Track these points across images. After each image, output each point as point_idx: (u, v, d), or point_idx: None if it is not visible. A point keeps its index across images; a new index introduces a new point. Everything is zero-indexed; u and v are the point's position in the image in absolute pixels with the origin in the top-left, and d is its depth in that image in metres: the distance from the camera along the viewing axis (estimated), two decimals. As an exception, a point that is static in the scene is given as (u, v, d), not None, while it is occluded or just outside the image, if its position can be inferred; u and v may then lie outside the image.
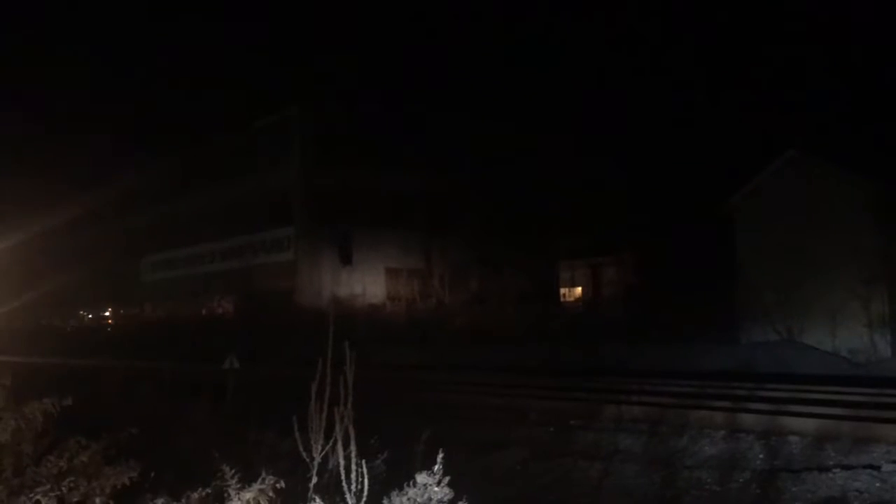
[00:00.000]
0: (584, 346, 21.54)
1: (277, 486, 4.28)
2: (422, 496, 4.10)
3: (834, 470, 7.10)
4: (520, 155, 36.72)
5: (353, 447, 4.48)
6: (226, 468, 4.36)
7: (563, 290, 38.47)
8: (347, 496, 4.33)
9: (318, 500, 4.34)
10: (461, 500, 4.15)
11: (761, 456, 8.05)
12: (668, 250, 29.43)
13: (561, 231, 34.77)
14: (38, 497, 3.90)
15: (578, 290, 38.09)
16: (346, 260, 35.70)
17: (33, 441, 4.62)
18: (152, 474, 4.91)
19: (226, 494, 4.21)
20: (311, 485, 4.60)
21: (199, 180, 41.85)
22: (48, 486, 3.95)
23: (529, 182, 36.44)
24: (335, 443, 4.64)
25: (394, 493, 4.22)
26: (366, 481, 4.34)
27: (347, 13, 74.34)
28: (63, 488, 3.98)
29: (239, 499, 4.12)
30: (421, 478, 4.10)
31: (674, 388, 13.24)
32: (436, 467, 4.13)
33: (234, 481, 4.27)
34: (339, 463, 4.46)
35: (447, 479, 4.13)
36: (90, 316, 51.34)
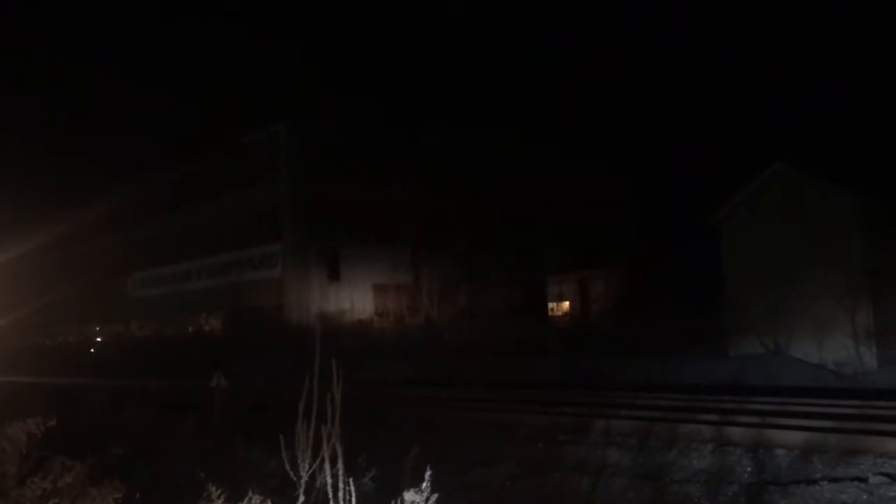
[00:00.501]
0: (572, 361, 21.55)
1: (264, 505, 4.26)
2: (410, 514, 4.09)
3: (822, 482, 7.12)
4: (508, 169, 36.85)
5: (340, 465, 4.47)
6: (212, 488, 4.34)
7: (551, 305, 38.53)
8: (335, 515, 4.32)
9: (305, 519, 4.32)
10: (449, 517, 4.14)
11: (749, 469, 8.06)
12: (656, 264, 29.58)
13: (549, 245, 34.90)
14: (22, 519, 3.86)
15: (566, 304, 38.16)
16: (334, 276, 35.61)
17: (17, 462, 4.58)
18: (137, 495, 4.88)
19: (212, 514, 4.19)
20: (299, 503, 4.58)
21: (187, 197, 41.70)
22: (32, 509, 3.91)
23: (517, 196, 36.57)
24: (322, 461, 4.63)
25: (382, 512, 4.21)
26: (353, 500, 4.32)
27: (337, 29, 74.62)
28: (47, 510, 3.94)
29: (225, 519, 4.09)
30: (409, 496, 4.09)
31: (662, 402, 13.25)
32: (424, 485, 4.12)
33: (220, 501, 4.24)
34: (326, 481, 4.44)
35: (435, 496, 4.12)
36: (76, 334, 50.93)
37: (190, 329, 40.27)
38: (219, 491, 4.31)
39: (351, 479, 4.43)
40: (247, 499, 4.29)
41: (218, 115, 66.15)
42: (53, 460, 4.56)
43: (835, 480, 7.20)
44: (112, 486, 4.32)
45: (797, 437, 9.02)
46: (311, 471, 4.71)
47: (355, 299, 35.56)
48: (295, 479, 4.74)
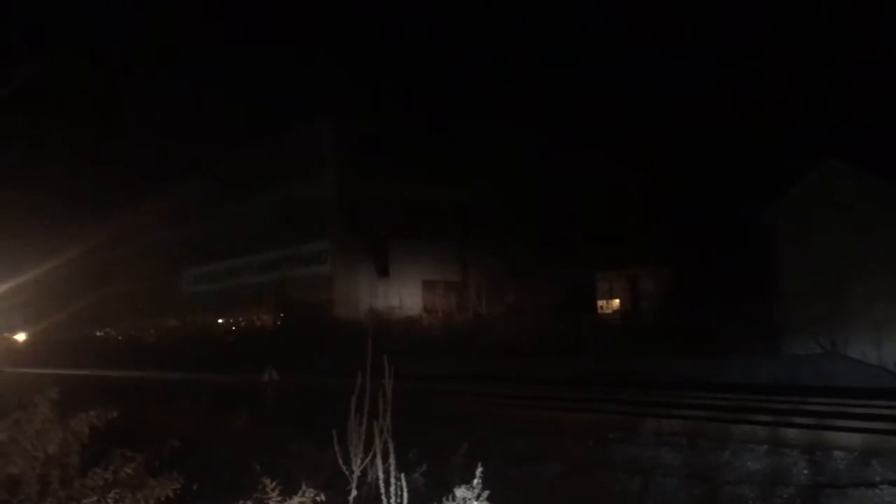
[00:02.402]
0: (622, 358, 21.34)
1: (318, 498, 4.31)
2: (461, 510, 4.10)
3: (881, 486, 6.94)
4: (556, 166, 36.65)
5: (392, 460, 4.50)
6: (266, 480, 4.41)
7: (600, 302, 38.20)
8: (387, 510, 4.35)
9: (358, 513, 4.36)
10: (500, 514, 4.14)
11: (805, 471, 7.89)
12: (707, 261, 29.08)
13: (598, 242, 34.59)
14: (86, 508, 3.97)
15: (616, 301, 37.78)
16: (383, 272, 35.83)
17: (80, 453, 4.71)
18: (194, 486, 4.97)
19: (266, 506, 4.25)
20: (351, 498, 4.63)
21: (238, 194, 42.37)
22: (95, 499, 4.02)
23: (566, 193, 36.36)
24: (374, 455, 4.66)
25: (434, 507, 4.23)
26: (405, 495, 4.35)
27: (383, 29, 75.01)
28: (109, 500, 4.05)
29: (280, 511, 4.15)
30: (460, 492, 4.10)
31: (714, 402, 13.03)
32: (475, 481, 4.12)
33: (274, 494, 4.31)
34: (378, 476, 4.48)
35: (486, 493, 4.13)
36: (132, 328, 52.15)
37: (242, 323, 40.91)
38: (273, 483, 4.38)
39: (403, 475, 4.46)
40: (300, 492, 4.35)
41: (265, 112, 67.04)
42: (114, 451, 4.68)
43: (894, 484, 7.01)
44: (170, 477, 4.42)
45: (856, 439, 8.80)
46: (363, 465, 4.75)
47: (404, 295, 35.74)
48: (347, 473, 4.79)
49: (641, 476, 7.95)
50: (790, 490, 7.16)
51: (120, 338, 49.54)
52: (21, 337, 51.68)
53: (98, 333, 51.48)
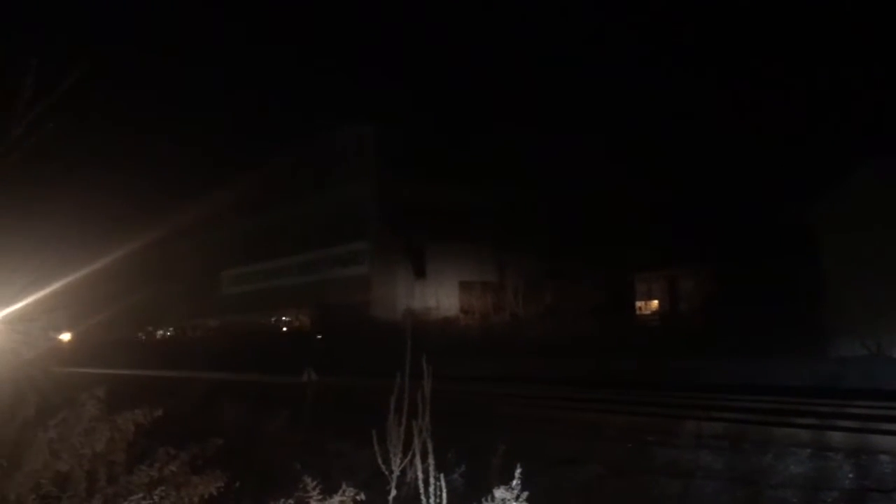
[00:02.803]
0: (661, 360, 21.12)
1: (357, 497, 4.35)
2: (501, 511, 4.11)
3: (929, 491, 6.79)
4: (592, 166, 36.45)
5: (431, 460, 4.52)
6: (307, 479, 4.45)
7: (639, 303, 37.86)
8: (427, 510, 4.37)
9: (397, 512, 4.38)
10: (539, 515, 4.13)
11: (850, 475, 7.74)
12: (749, 262, 28.67)
13: (636, 243, 34.30)
14: (132, 505, 4.06)
15: (655, 302, 37.41)
16: (420, 273, 35.95)
17: (125, 450, 4.81)
18: (237, 484, 5.05)
19: (307, 505, 4.30)
20: (391, 498, 4.66)
21: (277, 197, 42.85)
22: (141, 495, 4.11)
23: (604, 194, 36.13)
24: (413, 456, 4.69)
25: (473, 508, 4.24)
26: (444, 495, 4.36)
27: (421, 31, 75.19)
28: (155, 497, 4.13)
29: (320, 510, 4.20)
30: (499, 492, 4.11)
31: (756, 404, 12.84)
32: (514, 482, 4.13)
33: (315, 492, 4.35)
34: (417, 476, 4.50)
35: (525, 493, 4.13)
36: (173, 328, 52.98)
37: (280, 324, 41.37)
38: (314, 482, 4.43)
39: (441, 475, 4.48)
40: (341, 491, 4.39)
41: (306, 116, 67.66)
42: (158, 449, 4.77)
43: (944, 489, 6.85)
44: (213, 474, 4.49)
45: (902, 443, 8.62)
46: (402, 465, 4.78)
47: (441, 296, 35.82)
48: (386, 472, 4.82)
49: (681, 479, 7.87)
50: (834, 494, 7.04)
51: (161, 337, 50.39)
52: (66, 337, 52.75)
53: (140, 334, 52.40)
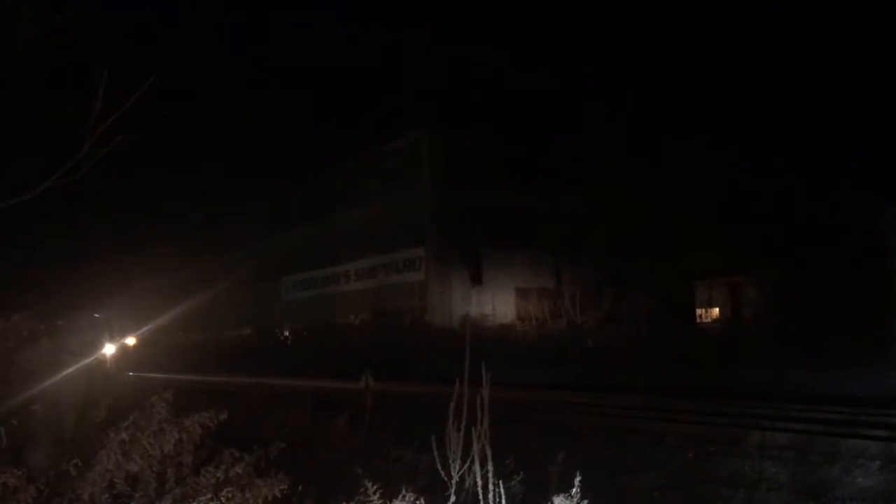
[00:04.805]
0: (723, 369, 20.71)
1: (417, 503, 4.39)
2: (560, 519, 4.10)
3: None
4: (648, 172, 36.05)
5: (490, 467, 4.54)
6: (368, 484, 4.51)
7: (699, 311, 37.20)
8: (486, 516, 4.38)
9: (457, 518, 4.41)
10: (600, 524, 4.11)
11: (924, 490, 7.49)
12: (815, 268, 27.92)
13: (696, 249, 33.74)
14: (200, 506, 4.17)
15: (716, 310, 36.70)
16: (477, 280, 35.96)
17: (193, 452, 4.94)
18: (299, 487, 5.14)
19: (368, 509, 4.36)
20: (450, 503, 4.68)
21: (334, 203, 43.40)
22: (209, 496, 4.22)
23: (663, 200, 35.67)
24: (472, 462, 4.71)
25: (532, 515, 4.24)
26: (503, 502, 4.37)
27: (476, 40, 75.45)
28: (221, 498, 4.24)
29: (381, 514, 4.25)
30: (559, 500, 4.11)
31: (823, 415, 12.51)
32: (573, 490, 4.12)
33: (376, 497, 4.41)
34: (476, 482, 4.52)
35: (585, 502, 4.11)
36: (234, 333, 54.00)
37: (339, 330, 41.82)
38: (374, 486, 4.48)
39: (500, 481, 4.49)
40: (401, 495, 4.44)
41: (364, 122, 68.45)
42: (223, 451, 4.89)
43: None
44: (277, 478, 4.58)
45: (980, 458, 8.29)
46: (461, 471, 4.80)
47: (497, 303, 35.77)
48: (446, 478, 4.85)
49: (744, 490, 7.72)
50: (906, 509, 6.82)
51: (222, 343, 51.38)
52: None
53: (202, 339, 53.51)
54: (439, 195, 35.84)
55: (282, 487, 4.51)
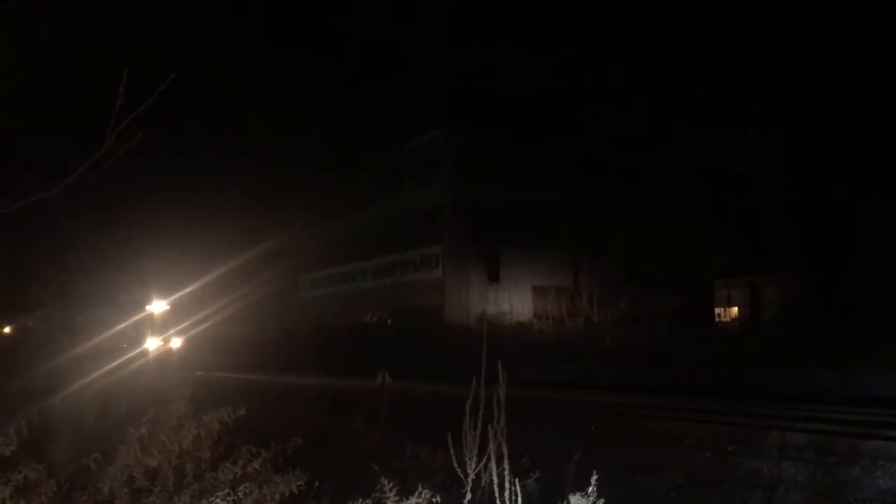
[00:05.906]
0: (743, 369, 20.58)
1: (433, 500, 4.40)
2: (576, 518, 4.09)
3: None
4: (667, 171, 35.83)
5: (506, 465, 4.54)
6: (384, 481, 4.53)
7: (718, 310, 36.99)
8: (501, 514, 4.38)
9: (472, 516, 4.42)
10: (616, 523, 4.10)
11: (946, 492, 7.41)
12: (835, 268, 27.68)
13: (715, 249, 33.55)
14: (218, 501, 4.21)
15: (734, 309, 36.49)
16: (494, 278, 35.91)
17: (211, 448, 4.99)
18: (316, 484, 5.16)
19: (385, 506, 4.37)
20: (466, 501, 4.69)
21: (353, 201, 43.49)
22: (226, 491, 4.26)
23: (682, 199, 35.47)
24: (488, 460, 4.71)
25: (548, 514, 4.24)
26: (520, 500, 4.37)
27: (495, 37, 75.25)
28: (239, 493, 4.27)
29: (397, 511, 4.26)
30: (575, 499, 4.10)
31: (843, 415, 12.41)
32: (590, 489, 4.11)
33: (392, 493, 4.42)
34: (492, 480, 4.53)
35: (601, 501, 4.11)
36: (254, 331, 54.13)
37: (355, 327, 41.90)
38: (390, 484, 4.50)
39: (516, 480, 4.49)
40: (417, 493, 4.45)
41: (382, 121, 68.52)
42: (241, 447, 4.93)
43: None
44: (294, 474, 4.62)
45: None
46: (477, 469, 4.80)
47: (514, 301, 35.71)
48: (462, 476, 4.85)
49: (763, 490, 7.67)
50: (928, 511, 6.75)
51: (242, 341, 51.49)
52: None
53: (221, 337, 53.64)
54: (457, 193, 35.83)
55: (299, 483, 4.54)
